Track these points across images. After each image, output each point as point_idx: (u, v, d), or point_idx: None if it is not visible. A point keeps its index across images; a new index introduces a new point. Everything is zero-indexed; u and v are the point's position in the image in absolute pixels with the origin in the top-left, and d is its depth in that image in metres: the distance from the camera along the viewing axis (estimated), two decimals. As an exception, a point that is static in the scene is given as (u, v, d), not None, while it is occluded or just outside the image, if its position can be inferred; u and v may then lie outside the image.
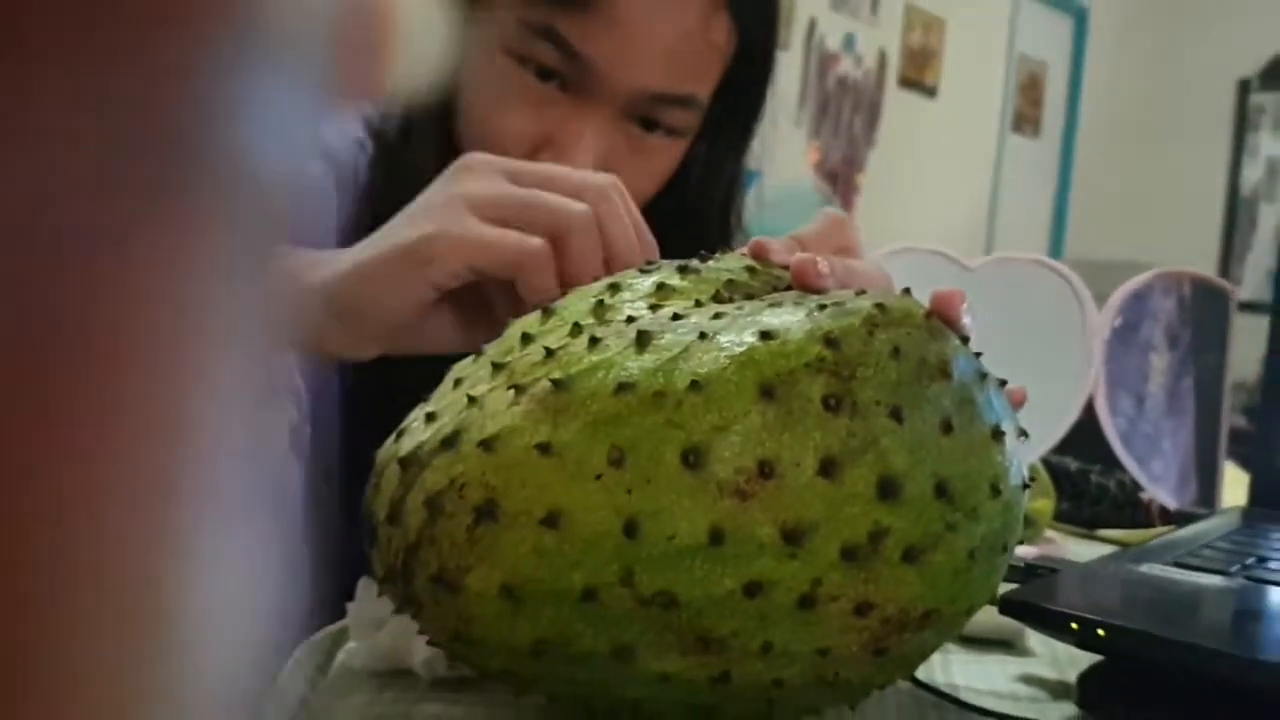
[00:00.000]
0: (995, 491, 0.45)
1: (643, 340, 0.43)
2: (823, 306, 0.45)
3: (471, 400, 0.44)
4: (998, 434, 0.45)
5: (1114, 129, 5.99)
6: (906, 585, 0.42)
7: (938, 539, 0.43)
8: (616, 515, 0.40)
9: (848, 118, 4.65)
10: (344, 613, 0.61)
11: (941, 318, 0.47)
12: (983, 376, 0.47)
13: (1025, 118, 5.74)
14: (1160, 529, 0.97)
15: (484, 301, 0.64)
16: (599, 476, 0.40)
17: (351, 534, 0.83)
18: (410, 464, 0.44)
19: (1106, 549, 0.94)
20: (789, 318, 0.44)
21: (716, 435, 0.40)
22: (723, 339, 0.43)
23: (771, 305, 0.45)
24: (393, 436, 0.47)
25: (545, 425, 0.42)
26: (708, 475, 0.40)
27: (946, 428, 0.43)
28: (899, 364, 0.43)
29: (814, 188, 3.48)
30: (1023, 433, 0.48)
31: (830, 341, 0.43)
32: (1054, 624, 0.51)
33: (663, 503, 0.40)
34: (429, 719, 0.52)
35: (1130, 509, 1.03)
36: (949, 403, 0.44)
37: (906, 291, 0.48)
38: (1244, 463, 1.05)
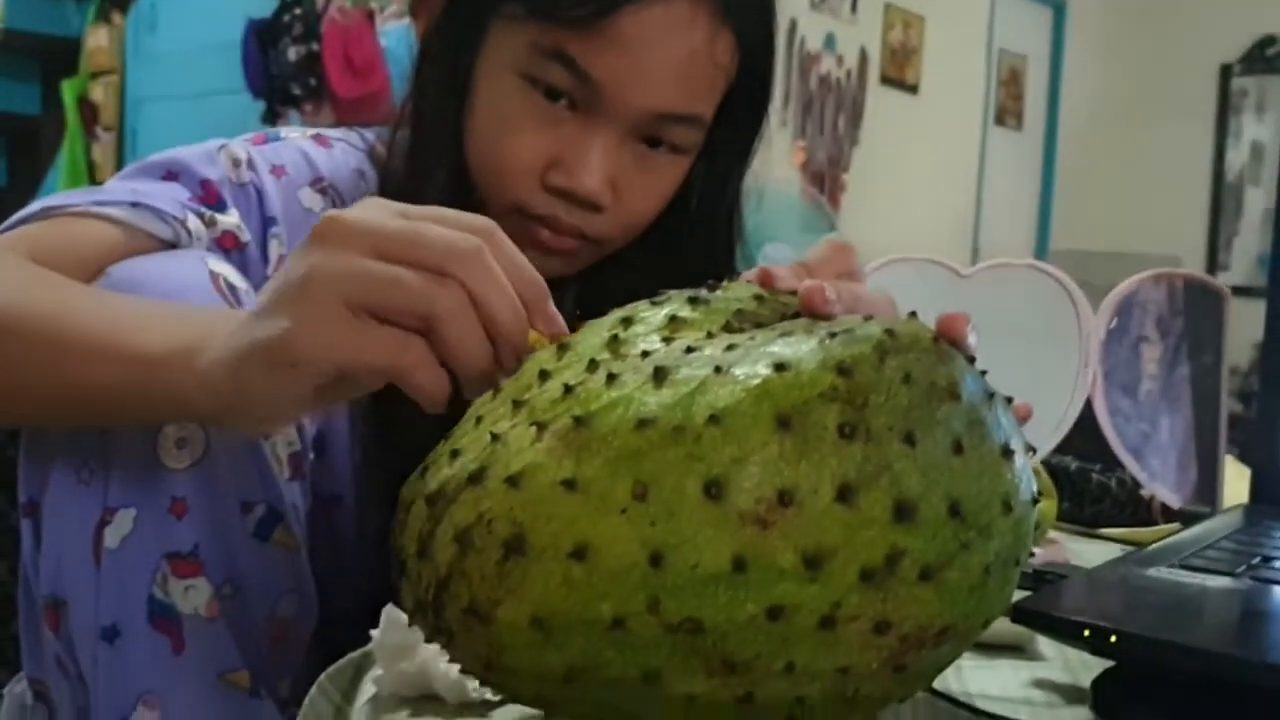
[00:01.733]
0: (1007, 508, 0.46)
1: (660, 375, 0.44)
2: (833, 335, 0.46)
3: (495, 437, 0.45)
4: (1007, 452, 0.47)
5: (1097, 118, 6.01)
6: (924, 604, 0.44)
7: (953, 558, 0.44)
8: (642, 547, 0.41)
9: (831, 117, 4.66)
10: (361, 624, 0.62)
11: (948, 339, 0.48)
12: (991, 396, 0.48)
13: (1007, 111, 5.76)
14: (1163, 527, 0.98)
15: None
16: (624, 510, 0.41)
17: (364, 553, 0.84)
18: (437, 500, 0.45)
19: (1110, 548, 0.96)
20: (801, 347, 0.45)
21: (736, 467, 0.42)
22: (737, 371, 0.44)
23: (783, 335, 0.46)
24: (417, 472, 0.48)
25: (569, 461, 0.43)
26: (729, 506, 0.41)
27: (958, 449, 0.45)
28: (910, 389, 0.44)
29: (800, 191, 3.50)
30: (1030, 448, 0.49)
31: (843, 370, 0.44)
32: (1066, 631, 0.52)
33: (686, 534, 0.41)
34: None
35: (1132, 506, 1.05)
36: (959, 424, 0.45)
37: (913, 315, 0.50)
38: (1241, 452, 1.06)
